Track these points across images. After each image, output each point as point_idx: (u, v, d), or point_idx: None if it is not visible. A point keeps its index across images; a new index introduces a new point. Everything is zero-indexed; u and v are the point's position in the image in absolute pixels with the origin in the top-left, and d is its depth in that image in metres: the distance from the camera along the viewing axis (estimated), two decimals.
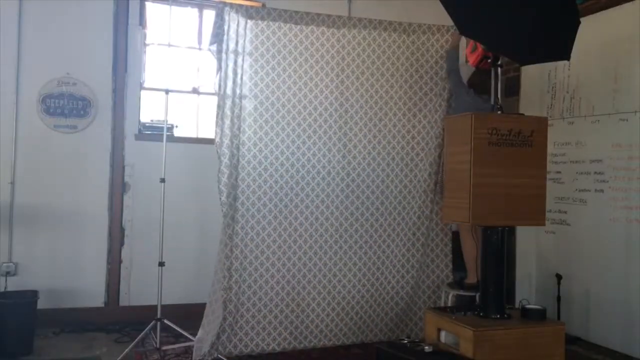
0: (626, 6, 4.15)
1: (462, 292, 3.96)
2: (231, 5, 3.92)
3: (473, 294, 3.91)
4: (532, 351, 3.06)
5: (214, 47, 3.87)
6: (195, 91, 5.14)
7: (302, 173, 4.09)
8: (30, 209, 4.46)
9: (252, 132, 3.97)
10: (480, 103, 3.77)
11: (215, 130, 3.87)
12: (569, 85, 4.59)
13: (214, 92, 3.92)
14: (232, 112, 3.91)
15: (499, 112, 3.31)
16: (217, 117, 3.86)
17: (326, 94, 4.14)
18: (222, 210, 3.87)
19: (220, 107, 3.87)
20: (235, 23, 3.90)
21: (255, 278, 3.95)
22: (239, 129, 3.93)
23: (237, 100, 3.92)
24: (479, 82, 3.88)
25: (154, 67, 4.99)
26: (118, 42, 4.75)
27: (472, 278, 3.94)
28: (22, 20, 4.48)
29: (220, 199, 3.86)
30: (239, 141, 3.93)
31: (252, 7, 4.09)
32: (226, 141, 3.88)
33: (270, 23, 3.99)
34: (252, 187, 3.97)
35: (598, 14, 4.32)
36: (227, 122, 3.89)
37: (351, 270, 4.18)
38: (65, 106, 4.60)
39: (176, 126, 4.97)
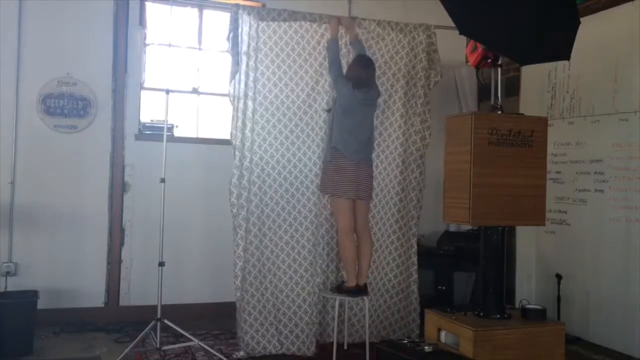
0: (626, 6, 4.15)
1: (342, 297, 3.85)
2: (243, 7, 3.96)
3: (353, 297, 3.90)
4: (532, 351, 3.06)
5: (229, 49, 3.92)
6: (195, 91, 5.14)
7: (315, 171, 4.09)
8: (30, 209, 4.46)
9: (266, 132, 4.01)
10: (358, 95, 3.82)
11: (231, 132, 3.92)
12: (569, 85, 4.59)
13: (227, 93, 3.96)
14: (244, 113, 3.93)
15: (499, 112, 3.31)
16: (232, 119, 3.92)
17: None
18: (232, 211, 3.89)
19: (235, 107, 3.93)
20: (247, 25, 3.93)
21: (270, 279, 3.99)
22: (251, 130, 3.95)
23: (248, 102, 3.94)
24: (355, 77, 3.85)
25: (154, 67, 4.99)
26: (118, 42, 4.75)
27: (351, 282, 3.84)
28: (22, 20, 4.48)
29: (230, 199, 3.88)
30: (251, 142, 3.95)
31: (263, 8, 4.13)
32: (237, 142, 3.91)
33: (282, 24, 4.01)
34: (264, 188, 3.99)
35: (598, 14, 4.32)
36: (239, 123, 3.92)
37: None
38: (65, 106, 4.60)
39: (176, 126, 4.97)
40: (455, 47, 5.01)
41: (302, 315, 4.02)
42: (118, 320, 4.54)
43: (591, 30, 4.04)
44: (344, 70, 3.98)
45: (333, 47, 3.99)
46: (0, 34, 4.40)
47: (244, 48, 3.94)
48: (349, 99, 3.83)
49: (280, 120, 4.04)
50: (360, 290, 3.87)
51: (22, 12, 4.48)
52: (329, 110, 4.05)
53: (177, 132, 4.97)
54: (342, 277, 4.09)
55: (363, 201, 3.92)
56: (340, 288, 3.90)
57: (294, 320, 4.02)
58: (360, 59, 3.97)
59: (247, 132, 3.95)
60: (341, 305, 4.02)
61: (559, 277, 4.39)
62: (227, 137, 4.02)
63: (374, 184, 4.13)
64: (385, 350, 3.05)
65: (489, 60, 3.38)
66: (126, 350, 3.73)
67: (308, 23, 4.08)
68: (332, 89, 4.06)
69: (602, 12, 4.30)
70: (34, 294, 3.99)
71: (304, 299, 4.04)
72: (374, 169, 4.17)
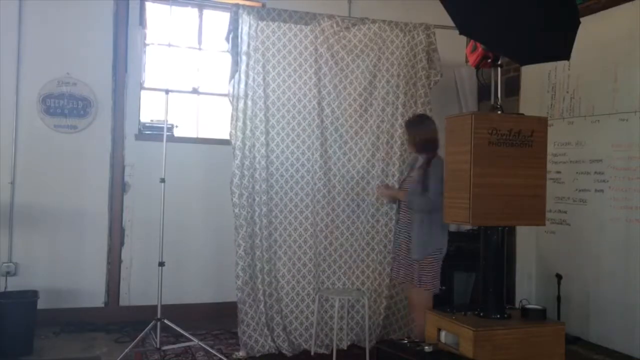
0: (626, 6, 4.15)
1: (342, 296, 3.85)
2: (243, 7, 3.96)
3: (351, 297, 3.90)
4: (532, 351, 3.06)
5: (228, 49, 3.93)
6: (195, 91, 5.14)
7: (313, 172, 4.09)
8: (30, 209, 4.46)
9: (260, 132, 4.00)
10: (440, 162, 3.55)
11: (230, 132, 3.92)
12: (569, 85, 4.59)
13: (227, 93, 3.96)
14: (245, 113, 3.94)
15: (499, 112, 3.31)
16: (231, 119, 3.92)
17: (339, 92, 4.17)
18: (234, 212, 3.89)
19: (234, 107, 3.93)
20: (247, 25, 3.94)
21: (269, 281, 3.99)
22: (251, 130, 3.95)
23: (248, 102, 3.95)
24: (433, 137, 3.63)
25: (154, 67, 4.99)
26: (118, 42, 4.75)
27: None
28: (22, 20, 4.48)
29: (232, 199, 3.88)
30: (252, 142, 3.95)
31: (263, 8, 4.14)
32: (238, 142, 3.91)
33: (281, 24, 4.02)
34: (263, 187, 3.98)
35: (598, 14, 4.32)
36: (240, 123, 3.92)
37: (360, 269, 4.23)
38: (65, 106, 4.60)
39: (176, 126, 4.97)
40: (455, 47, 5.00)
41: (301, 314, 4.03)
42: (118, 320, 4.54)
43: (591, 30, 4.04)
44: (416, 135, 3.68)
45: (417, 201, 3.57)
46: (0, 34, 4.40)
47: (244, 48, 3.94)
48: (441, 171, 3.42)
49: (280, 121, 4.05)
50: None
51: (22, 12, 4.48)
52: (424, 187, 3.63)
53: (177, 132, 4.97)
54: (339, 278, 4.10)
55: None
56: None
57: (292, 319, 4.02)
58: (421, 119, 3.76)
59: (248, 132, 3.95)
60: (342, 305, 4.03)
61: (559, 277, 4.39)
62: (227, 137, 4.03)
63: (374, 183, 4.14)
64: (385, 350, 3.05)
65: (489, 60, 3.37)
66: (126, 350, 3.73)
67: (309, 27, 4.08)
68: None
69: (602, 12, 4.30)
70: (34, 294, 3.99)
71: (303, 299, 4.04)
72: (373, 169, 4.19)
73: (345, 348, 4.09)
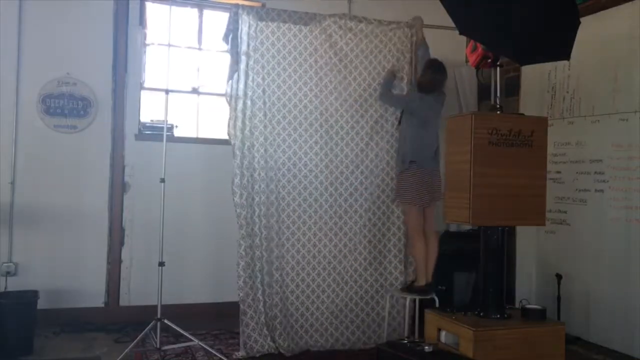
0: (626, 6, 4.15)
1: (413, 296, 3.96)
2: (243, 7, 3.96)
3: (423, 297, 3.95)
4: (532, 351, 3.06)
5: (227, 48, 3.93)
6: (195, 91, 5.14)
7: (315, 172, 4.09)
8: (30, 209, 4.46)
9: (259, 133, 3.99)
10: (431, 102, 3.92)
11: (229, 132, 3.91)
12: (569, 85, 4.59)
13: (224, 93, 3.96)
14: (244, 113, 3.94)
15: (498, 112, 3.31)
16: (230, 119, 3.91)
17: (340, 92, 4.16)
18: (236, 211, 3.90)
19: (233, 108, 3.92)
20: (246, 25, 3.94)
21: (269, 281, 3.97)
22: (250, 130, 3.95)
23: (248, 102, 3.95)
24: (426, 81, 3.95)
25: (154, 67, 4.99)
26: (118, 42, 4.75)
27: (421, 281, 3.94)
28: (22, 20, 4.48)
29: (234, 199, 3.89)
30: (251, 142, 3.95)
31: (263, 8, 4.14)
32: (237, 142, 3.91)
33: (281, 24, 4.02)
34: (262, 187, 3.98)
35: (598, 14, 4.31)
36: (239, 123, 3.92)
37: (354, 268, 4.20)
38: (65, 106, 4.60)
39: (176, 126, 4.97)
40: (455, 47, 5.01)
41: (300, 314, 4.02)
42: (118, 320, 4.53)
43: (591, 30, 4.04)
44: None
45: (385, 84, 4.18)
46: (0, 34, 4.40)
47: (244, 48, 3.94)
48: (417, 105, 3.95)
49: (280, 122, 4.05)
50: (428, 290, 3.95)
51: (22, 12, 4.48)
52: (399, 124, 4.14)
53: (177, 132, 4.97)
54: (334, 280, 4.10)
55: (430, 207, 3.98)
56: (410, 288, 3.98)
57: (292, 319, 4.02)
58: (432, 64, 4.02)
59: (247, 132, 3.95)
60: (338, 305, 4.02)
61: (559, 277, 4.39)
62: (227, 137, 4.02)
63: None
64: (385, 350, 3.05)
65: (489, 60, 3.38)
66: (126, 350, 3.73)
67: (309, 27, 4.08)
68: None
69: (602, 12, 4.30)
70: (34, 294, 3.99)
71: (301, 298, 4.04)
72: (371, 169, 4.19)
73: (345, 348, 4.09)
